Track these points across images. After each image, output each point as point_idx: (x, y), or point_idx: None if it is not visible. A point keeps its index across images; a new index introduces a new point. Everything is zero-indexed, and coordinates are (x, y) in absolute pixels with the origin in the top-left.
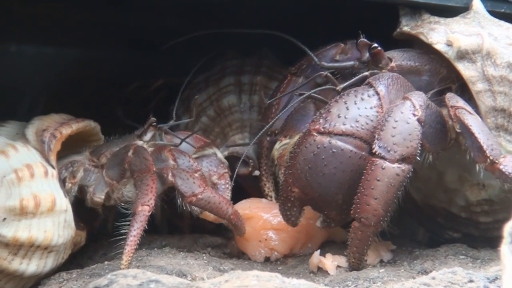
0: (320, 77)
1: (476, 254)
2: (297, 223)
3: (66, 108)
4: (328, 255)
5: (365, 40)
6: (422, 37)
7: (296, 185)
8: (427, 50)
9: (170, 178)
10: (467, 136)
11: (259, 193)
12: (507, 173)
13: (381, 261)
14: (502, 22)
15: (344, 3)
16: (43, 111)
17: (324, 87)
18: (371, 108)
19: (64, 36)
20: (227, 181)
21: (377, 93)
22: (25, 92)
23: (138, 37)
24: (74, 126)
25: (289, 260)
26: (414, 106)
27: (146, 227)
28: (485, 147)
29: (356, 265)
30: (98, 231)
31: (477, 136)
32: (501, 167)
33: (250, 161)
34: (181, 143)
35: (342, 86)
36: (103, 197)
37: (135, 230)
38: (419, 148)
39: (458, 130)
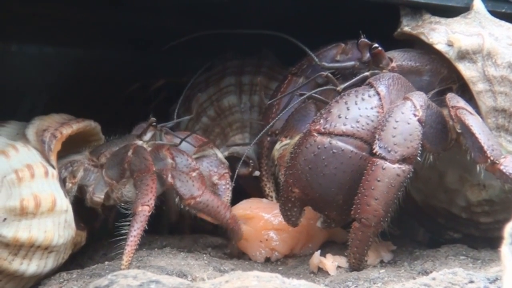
0: (321, 77)
1: (476, 255)
2: (297, 223)
3: (66, 108)
4: (329, 256)
5: (366, 40)
6: (423, 37)
7: (297, 186)
8: (428, 50)
9: (169, 179)
10: (468, 137)
11: (260, 194)
12: (507, 173)
13: (382, 262)
14: (503, 22)
15: (345, 3)
16: (44, 111)
17: (324, 87)
18: (371, 108)
19: (65, 36)
20: (227, 182)
21: (378, 94)
22: (26, 92)
23: (138, 37)
24: (74, 126)
25: (289, 260)
26: (415, 107)
27: (146, 227)
28: (485, 147)
29: (357, 265)
30: (98, 231)
31: (477, 136)
32: (501, 167)
33: (250, 161)
34: (180, 142)
35: (342, 86)
36: (102, 196)
37: (135, 230)
38: (420, 148)
39: (459, 131)
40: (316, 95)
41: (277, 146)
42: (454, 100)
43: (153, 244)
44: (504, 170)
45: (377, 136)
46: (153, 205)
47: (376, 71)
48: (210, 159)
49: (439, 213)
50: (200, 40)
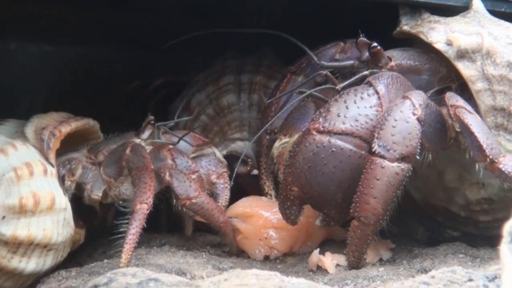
0: (320, 76)
1: (475, 253)
2: (296, 221)
3: (65, 107)
4: (328, 254)
5: (365, 39)
6: (422, 36)
7: (296, 184)
8: (427, 49)
9: (167, 177)
10: (467, 135)
11: (258, 192)
12: (506, 172)
13: (381, 260)
14: (502, 22)
15: (344, 2)
16: (43, 110)
17: (323, 86)
18: (370, 107)
19: (65, 35)
20: (226, 181)
21: (377, 92)
22: (25, 91)
23: (138, 36)
24: (73, 125)
25: (288, 258)
26: (414, 105)
27: (145, 225)
28: (484, 146)
29: (356, 263)
30: (97, 229)
31: (476, 135)
32: (500, 166)
33: (249, 160)
34: (178, 141)
35: (341, 85)
36: (100, 194)
37: (134, 228)
38: (419, 147)
39: (458, 129)
40: (316, 93)
41: (276, 144)
42: (453, 99)
43: (152, 242)
44: (503, 169)
45: (376, 135)
46: (151, 203)
47: (375, 70)
48: (209, 158)
49: (438, 211)
50: (199, 39)
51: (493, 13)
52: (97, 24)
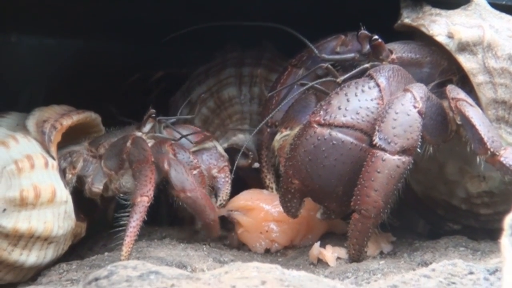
0: (321, 69)
1: (476, 246)
2: (297, 214)
3: (66, 99)
4: (328, 247)
5: (366, 32)
6: (423, 29)
7: (297, 177)
8: (428, 42)
9: (165, 166)
10: (468, 128)
11: (259, 185)
12: (507, 165)
13: (381, 253)
14: (503, 14)
15: None
16: (44, 103)
17: (324, 79)
18: (371, 100)
19: (65, 28)
20: (227, 175)
21: (378, 85)
22: (26, 84)
23: (139, 30)
24: (74, 118)
25: (289, 251)
26: (415, 98)
27: (146, 218)
28: (485, 139)
29: (356, 256)
30: (98, 222)
31: (477, 128)
32: (501, 159)
33: (250, 153)
34: (180, 138)
35: (342, 78)
36: (101, 187)
37: (135, 221)
38: (420, 140)
39: (459, 122)
40: (318, 86)
41: (277, 137)
42: (454, 91)
43: (153, 235)
44: (504, 162)
45: (377, 128)
46: (152, 195)
47: (376, 63)
48: (210, 152)
49: (439, 204)
50: (200, 32)
51: (494, 6)
52: (98, 17)
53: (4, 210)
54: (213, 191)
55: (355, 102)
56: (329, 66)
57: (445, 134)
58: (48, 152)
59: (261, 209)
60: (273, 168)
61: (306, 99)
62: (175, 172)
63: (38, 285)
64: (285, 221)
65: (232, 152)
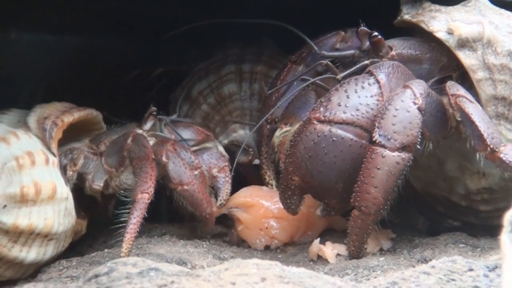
0: (320, 65)
1: (476, 243)
2: (297, 211)
3: (66, 96)
4: (328, 244)
5: (366, 28)
6: (423, 25)
7: (296, 174)
8: (427, 38)
9: (164, 159)
10: (468, 125)
11: (259, 182)
12: (507, 161)
13: (381, 250)
14: (503, 11)
15: None
16: (44, 100)
17: (324, 75)
18: (371, 96)
19: (65, 24)
20: (227, 174)
21: (378, 82)
22: (26, 80)
23: (139, 26)
24: (75, 114)
25: (289, 248)
26: (415, 95)
27: (146, 215)
28: (485, 135)
29: (356, 253)
30: (98, 219)
31: (477, 124)
32: (501, 155)
33: (250, 149)
34: (181, 140)
35: (342, 74)
36: (102, 184)
37: (135, 218)
38: (420, 136)
39: (459, 119)
40: (319, 82)
41: (277, 133)
42: (454, 88)
43: (153, 231)
44: (504, 158)
45: (377, 124)
46: (152, 192)
47: (375, 59)
48: (211, 151)
49: (439, 201)
50: (200, 29)
51: (494, 2)
52: (98, 14)
53: (5, 206)
54: (213, 191)
55: (355, 99)
56: (329, 62)
57: (445, 131)
58: (49, 149)
59: (261, 205)
60: (273, 164)
61: (306, 96)
62: (173, 165)
63: (38, 281)
64: (285, 218)
65: (232, 148)
